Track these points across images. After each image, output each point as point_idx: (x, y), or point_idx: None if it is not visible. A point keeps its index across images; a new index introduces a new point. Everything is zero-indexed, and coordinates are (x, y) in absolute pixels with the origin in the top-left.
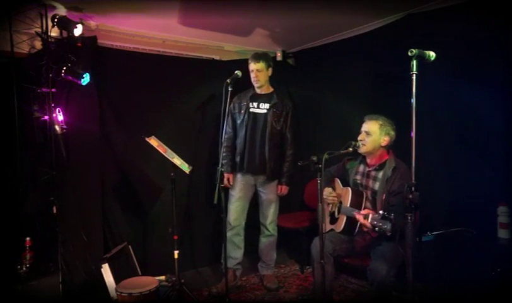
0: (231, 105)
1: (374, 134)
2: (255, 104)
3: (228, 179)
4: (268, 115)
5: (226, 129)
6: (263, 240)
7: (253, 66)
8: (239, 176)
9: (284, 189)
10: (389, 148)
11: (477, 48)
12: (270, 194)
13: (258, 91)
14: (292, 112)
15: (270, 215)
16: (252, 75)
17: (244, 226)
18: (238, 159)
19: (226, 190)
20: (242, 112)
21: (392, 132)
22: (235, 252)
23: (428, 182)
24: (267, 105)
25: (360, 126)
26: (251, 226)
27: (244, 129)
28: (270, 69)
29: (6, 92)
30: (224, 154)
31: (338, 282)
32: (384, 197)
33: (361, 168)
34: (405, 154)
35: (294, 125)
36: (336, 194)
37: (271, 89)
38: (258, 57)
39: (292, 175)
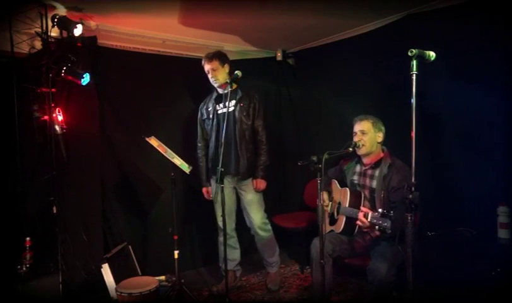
0: (199, 115)
1: (369, 132)
2: (221, 105)
3: (208, 192)
4: (236, 111)
5: (198, 139)
6: (258, 244)
7: (207, 66)
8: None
9: (260, 183)
10: (383, 144)
11: (477, 48)
12: (249, 194)
13: (220, 91)
14: (260, 103)
15: (255, 219)
16: (209, 76)
17: (235, 227)
18: (211, 163)
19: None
20: (210, 116)
21: (383, 128)
22: (232, 254)
23: (428, 182)
24: (233, 102)
25: (352, 129)
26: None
27: (215, 132)
28: (227, 66)
29: (6, 92)
30: (201, 165)
31: (338, 282)
32: (383, 195)
33: (358, 168)
34: (404, 154)
35: (263, 115)
36: (331, 203)
37: (234, 86)
38: (211, 56)
39: (268, 167)
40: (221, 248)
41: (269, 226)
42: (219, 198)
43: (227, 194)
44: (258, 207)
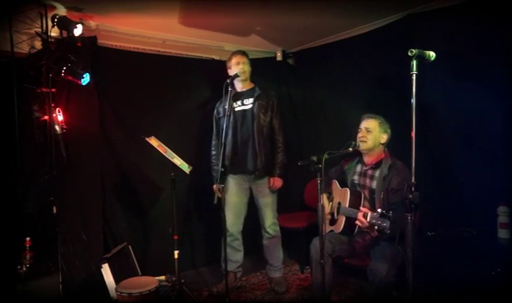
0: (215, 112)
1: (374, 130)
2: (239, 102)
3: (219, 190)
4: (254, 108)
5: (213, 137)
6: (265, 243)
7: (238, 58)
8: (232, 180)
9: (277, 182)
10: (386, 146)
11: (477, 48)
12: (265, 196)
13: (239, 88)
14: (277, 102)
15: (268, 218)
16: (239, 67)
17: (241, 229)
18: (228, 162)
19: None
20: (227, 114)
21: (389, 130)
22: (235, 255)
23: (428, 182)
24: (251, 100)
25: (358, 124)
26: (252, 226)
27: (232, 129)
28: (250, 68)
29: (6, 92)
30: (214, 162)
31: (338, 282)
32: (382, 196)
33: (358, 168)
34: (404, 154)
35: (280, 114)
36: (330, 201)
37: (252, 85)
38: (243, 51)
39: (285, 165)
40: (227, 250)
41: (278, 227)
42: (232, 198)
43: (239, 195)
44: (273, 208)
